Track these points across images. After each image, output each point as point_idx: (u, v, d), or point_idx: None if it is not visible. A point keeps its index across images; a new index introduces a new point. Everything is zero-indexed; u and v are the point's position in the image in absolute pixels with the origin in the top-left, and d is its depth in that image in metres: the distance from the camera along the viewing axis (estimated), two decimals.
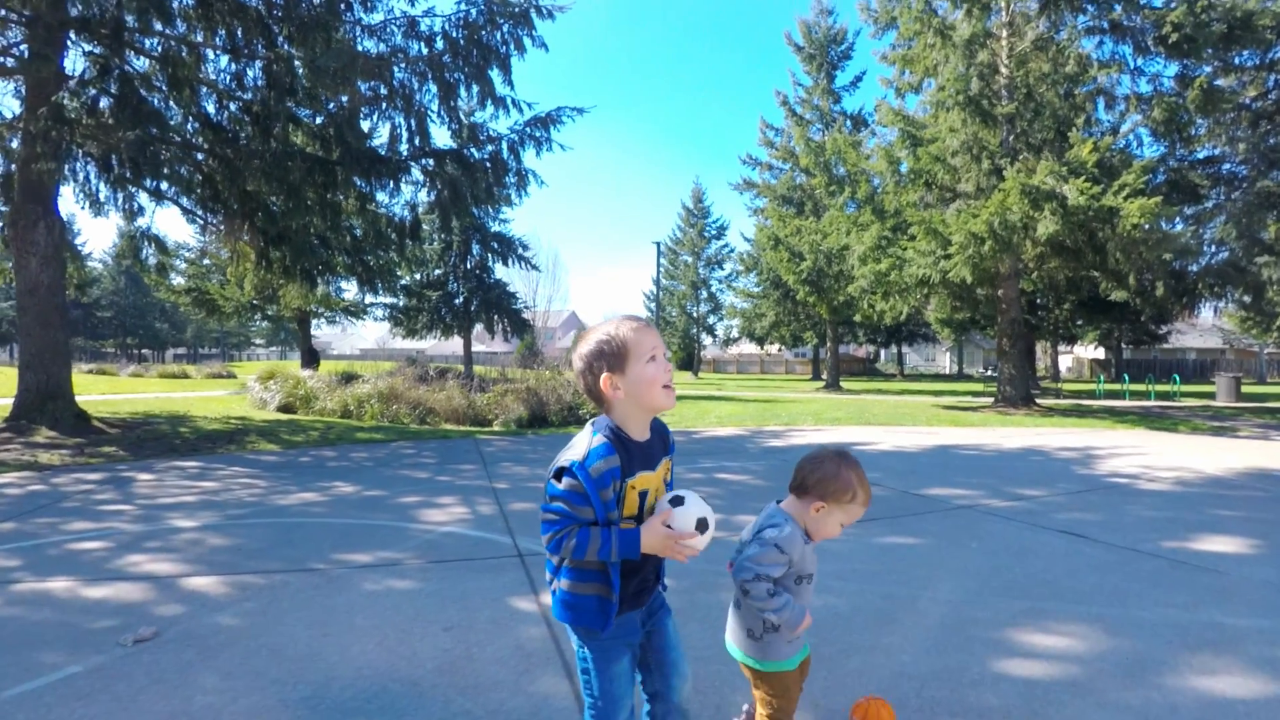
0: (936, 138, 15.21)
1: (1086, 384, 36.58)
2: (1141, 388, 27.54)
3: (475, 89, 9.94)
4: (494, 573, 4.08)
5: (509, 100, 10.49)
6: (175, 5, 10.37)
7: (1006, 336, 16.00)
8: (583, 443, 1.55)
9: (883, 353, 58.52)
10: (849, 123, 27.20)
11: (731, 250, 44.27)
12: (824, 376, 32.45)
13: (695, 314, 47.16)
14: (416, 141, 10.55)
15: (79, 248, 44.42)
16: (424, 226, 25.14)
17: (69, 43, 10.09)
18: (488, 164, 10.60)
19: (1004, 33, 15.42)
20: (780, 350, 54.11)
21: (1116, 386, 27.43)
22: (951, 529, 5.01)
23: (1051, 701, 2.43)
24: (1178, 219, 15.80)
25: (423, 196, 11.80)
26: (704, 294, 46.85)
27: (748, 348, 57.88)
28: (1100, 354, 46.35)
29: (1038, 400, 17.61)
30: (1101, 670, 2.68)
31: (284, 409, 15.41)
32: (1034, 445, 10.09)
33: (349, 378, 17.28)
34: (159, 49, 10.94)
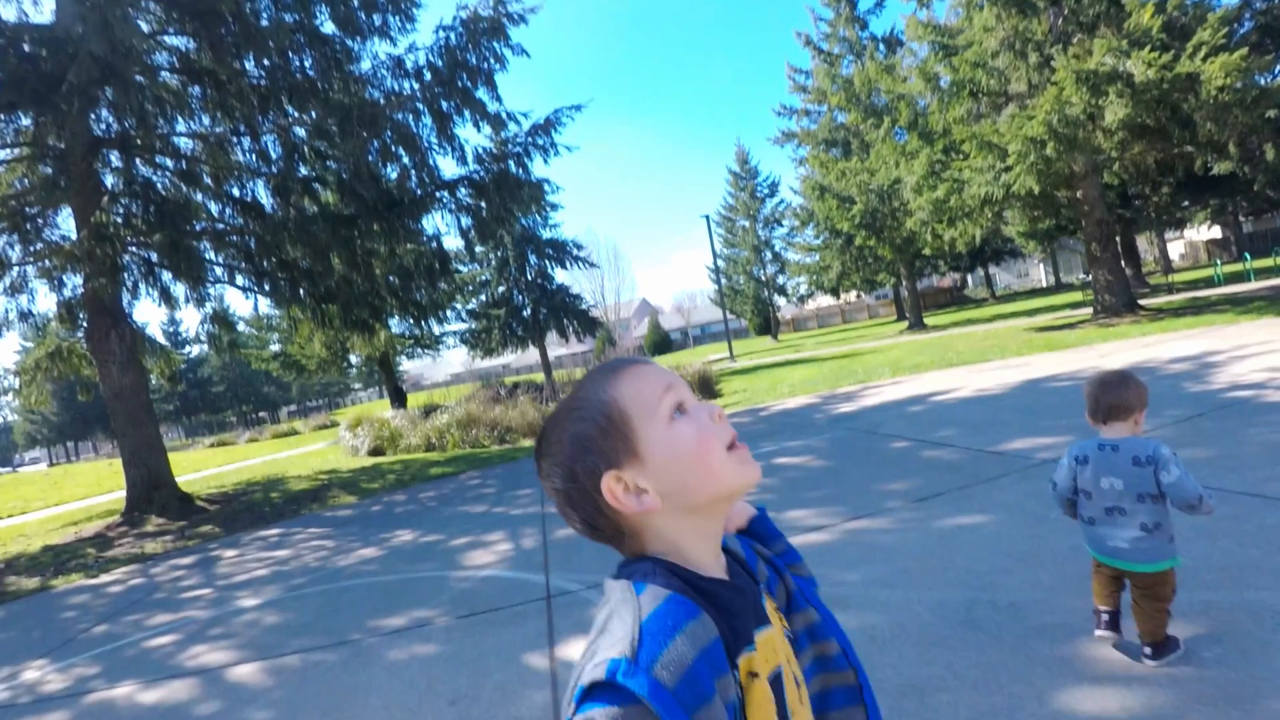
0: (972, 42, 13.80)
1: (1204, 270, 32.89)
2: (1268, 263, 24.36)
3: (468, 113, 9.81)
4: (516, 623, 3.91)
5: (503, 115, 10.31)
6: (193, 100, 10.81)
7: (1095, 241, 14.38)
8: (625, 617, 0.69)
9: (970, 278, 54.91)
10: (882, 47, 25.33)
11: (787, 205, 42.68)
12: (908, 316, 30.81)
13: (763, 277, 45.87)
14: (425, 177, 10.55)
15: (179, 343, 48.20)
16: (476, 249, 25.68)
17: (103, 163, 10.65)
18: (497, 184, 10.47)
19: None
20: (859, 296, 51.86)
21: (1238, 267, 24.36)
22: (1028, 497, 4.35)
23: None
24: (1278, 68, 13.60)
25: (445, 228, 11.83)
26: (768, 255, 45.46)
27: (825, 300, 55.85)
28: (1217, 232, 41.39)
29: (1143, 305, 15.83)
30: (1201, 697, 2.13)
31: (374, 452, 15.94)
32: (1139, 361, 8.97)
33: (429, 410, 17.72)
34: (190, 148, 11.50)
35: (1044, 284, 50.93)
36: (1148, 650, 2.32)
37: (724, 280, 46.85)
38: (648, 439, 0.77)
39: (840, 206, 21.76)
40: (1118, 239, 16.69)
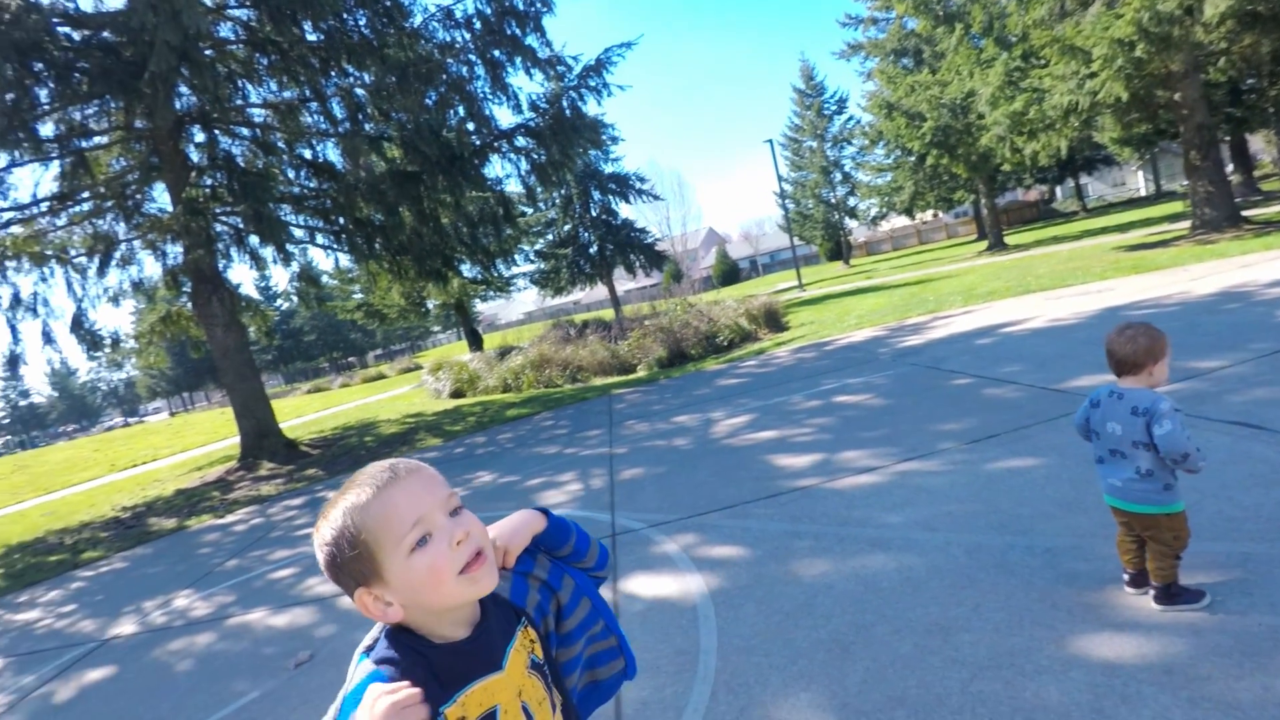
0: None
1: None
2: None
3: (519, 60, 9.84)
4: None
5: (553, 59, 10.28)
6: (260, 68, 11.25)
7: (1194, 148, 13.14)
8: (343, 688, 0.96)
9: (1058, 190, 50.97)
10: None
11: (856, 122, 40.42)
12: (988, 236, 29.27)
13: (833, 200, 44.08)
14: (483, 128, 10.74)
15: (270, 297, 51.34)
16: (538, 192, 25.95)
17: (186, 139, 11.29)
18: (553, 130, 10.55)
19: None
20: (936, 215, 49.24)
21: None
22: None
23: (1128, 698, 2.08)
24: None
25: (505, 173, 12.05)
26: (837, 177, 43.50)
27: (900, 221, 53.36)
28: None
29: (1249, 217, 14.46)
30: (1216, 648, 2.21)
31: (455, 394, 16.77)
32: (1234, 286, 8.37)
33: (504, 352, 18.41)
34: (263, 118, 12.05)
35: (1143, 193, 46.90)
36: (1153, 592, 2.47)
37: (792, 205, 45.27)
38: (389, 568, 0.92)
39: (909, 125, 20.56)
40: (1226, 141, 15.19)
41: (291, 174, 12.28)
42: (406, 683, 0.91)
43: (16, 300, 10.44)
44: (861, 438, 5.52)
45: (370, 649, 0.98)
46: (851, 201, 43.15)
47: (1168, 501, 2.38)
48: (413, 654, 0.95)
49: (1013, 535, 3.25)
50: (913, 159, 26.14)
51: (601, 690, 1.24)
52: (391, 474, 0.95)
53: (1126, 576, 2.60)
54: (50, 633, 5.46)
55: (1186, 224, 15.40)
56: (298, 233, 13.02)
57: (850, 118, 42.32)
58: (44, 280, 10.54)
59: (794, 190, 45.76)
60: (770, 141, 30.08)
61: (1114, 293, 9.78)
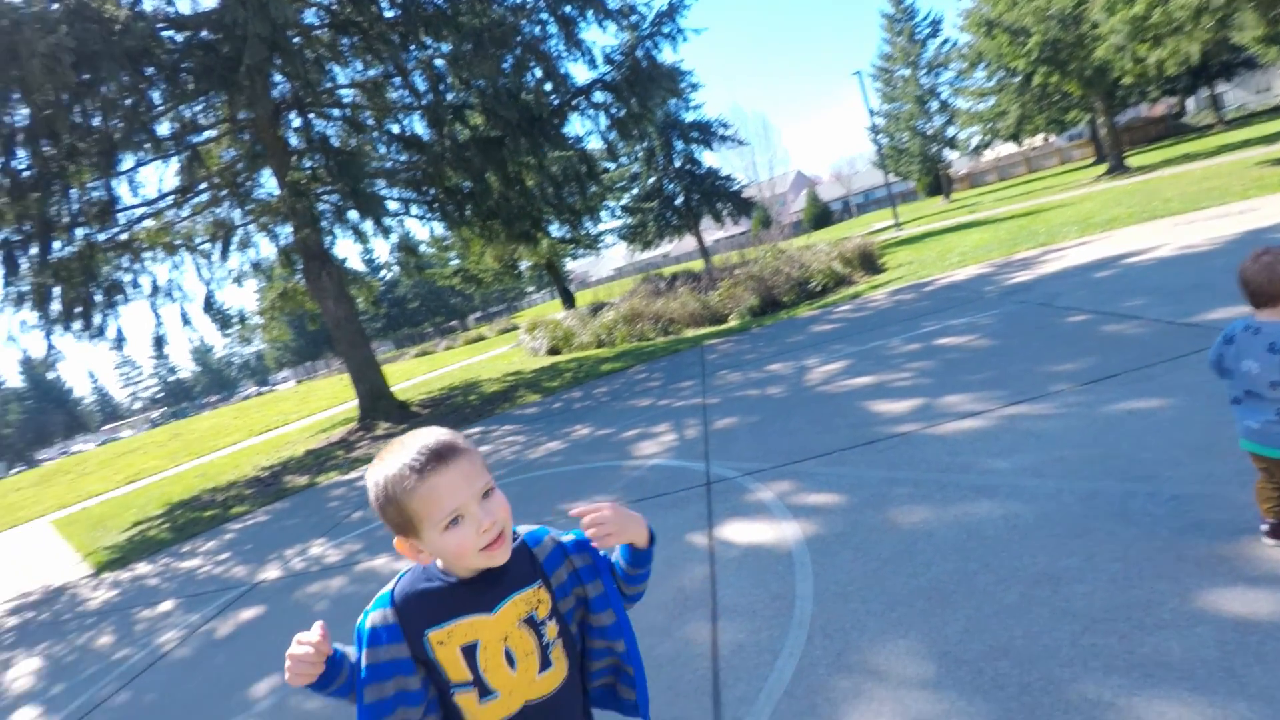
0: None
1: None
2: None
3: (590, 13, 9.71)
4: (680, 507, 4.39)
5: (625, 9, 10.06)
6: (344, 49, 11.67)
7: None
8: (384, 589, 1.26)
9: (1191, 101, 45.12)
10: None
11: (954, 44, 37.26)
12: (1107, 158, 26.62)
13: (930, 131, 41.19)
14: (560, 87, 10.74)
15: (374, 268, 54.48)
16: (619, 147, 25.80)
17: (285, 126, 11.91)
18: (629, 82, 10.40)
19: None
20: (1047, 140, 45.03)
21: None
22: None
23: (1262, 656, 1.93)
24: None
25: (585, 129, 12.04)
26: (934, 106, 40.53)
27: (1006, 148, 49.35)
28: None
29: None
30: None
31: (551, 352, 17.16)
32: None
33: (596, 308, 18.60)
34: (352, 97, 12.56)
35: None
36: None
37: (885, 139, 42.69)
38: (425, 535, 1.12)
39: (1013, 42, 18.71)
40: None
41: (382, 149, 12.80)
42: (318, 638, 1.18)
43: (155, 287, 11.63)
44: (965, 381, 5.27)
45: (405, 570, 1.26)
46: (950, 131, 40.22)
47: None
48: (426, 586, 1.20)
49: (1134, 482, 3.04)
50: (1018, 79, 23.91)
51: (621, 704, 1.39)
52: (439, 459, 1.10)
53: (1265, 526, 2.38)
54: (210, 578, 6.18)
55: None
56: (392, 205, 13.62)
57: (945, 40, 39.23)
58: (176, 268, 11.68)
59: (887, 124, 43.15)
60: (859, 73, 28.41)
61: (1258, 214, 8.72)
